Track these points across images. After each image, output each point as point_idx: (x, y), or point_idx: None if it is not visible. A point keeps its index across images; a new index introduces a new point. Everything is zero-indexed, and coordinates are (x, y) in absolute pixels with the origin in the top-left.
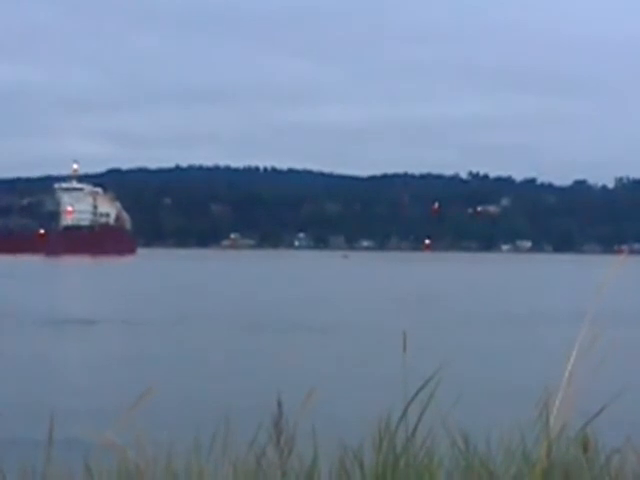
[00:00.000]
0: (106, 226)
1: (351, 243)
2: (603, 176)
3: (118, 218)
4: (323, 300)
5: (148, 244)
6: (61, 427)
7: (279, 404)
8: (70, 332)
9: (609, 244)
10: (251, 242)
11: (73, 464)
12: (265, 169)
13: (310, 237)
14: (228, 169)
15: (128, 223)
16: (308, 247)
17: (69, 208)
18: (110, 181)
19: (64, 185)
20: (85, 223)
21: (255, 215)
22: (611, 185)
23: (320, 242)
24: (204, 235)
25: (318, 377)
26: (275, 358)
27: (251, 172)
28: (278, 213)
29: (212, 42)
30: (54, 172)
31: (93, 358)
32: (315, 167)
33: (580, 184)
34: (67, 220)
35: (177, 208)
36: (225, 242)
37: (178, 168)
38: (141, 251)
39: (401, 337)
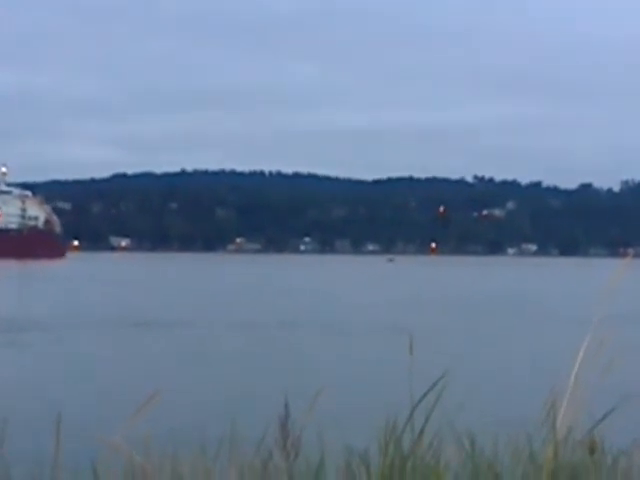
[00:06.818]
0: (35, 229)
1: (357, 247)
2: (609, 179)
3: (47, 221)
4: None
5: (153, 248)
6: (67, 431)
7: (286, 407)
8: (48, 336)
9: (615, 247)
10: (257, 246)
11: (80, 468)
12: (270, 173)
13: (316, 241)
14: (233, 173)
15: (58, 226)
16: (313, 251)
17: None
18: (116, 186)
19: None
20: (13, 226)
21: (261, 219)
22: (617, 188)
23: (326, 246)
24: (209, 239)
25: (327, 378)
26: (285, 359)
27: (256, 176)
28: (284, 217)
29: (217, 47)
30: (60, 177)
31: (93, 361)
32: (320, 171)
33: (586, 187)
34: None
35: (182, 212)
36: (230, 246)
37: (183, 172)
38: (71, 255)
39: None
